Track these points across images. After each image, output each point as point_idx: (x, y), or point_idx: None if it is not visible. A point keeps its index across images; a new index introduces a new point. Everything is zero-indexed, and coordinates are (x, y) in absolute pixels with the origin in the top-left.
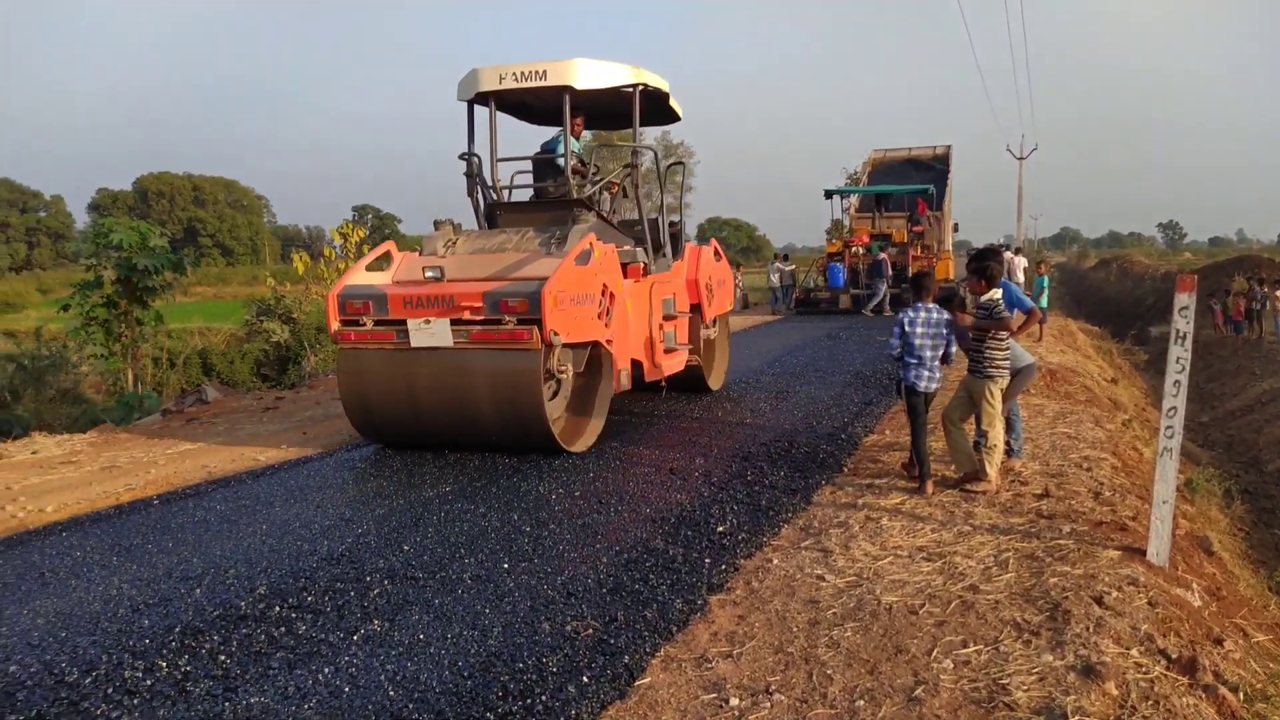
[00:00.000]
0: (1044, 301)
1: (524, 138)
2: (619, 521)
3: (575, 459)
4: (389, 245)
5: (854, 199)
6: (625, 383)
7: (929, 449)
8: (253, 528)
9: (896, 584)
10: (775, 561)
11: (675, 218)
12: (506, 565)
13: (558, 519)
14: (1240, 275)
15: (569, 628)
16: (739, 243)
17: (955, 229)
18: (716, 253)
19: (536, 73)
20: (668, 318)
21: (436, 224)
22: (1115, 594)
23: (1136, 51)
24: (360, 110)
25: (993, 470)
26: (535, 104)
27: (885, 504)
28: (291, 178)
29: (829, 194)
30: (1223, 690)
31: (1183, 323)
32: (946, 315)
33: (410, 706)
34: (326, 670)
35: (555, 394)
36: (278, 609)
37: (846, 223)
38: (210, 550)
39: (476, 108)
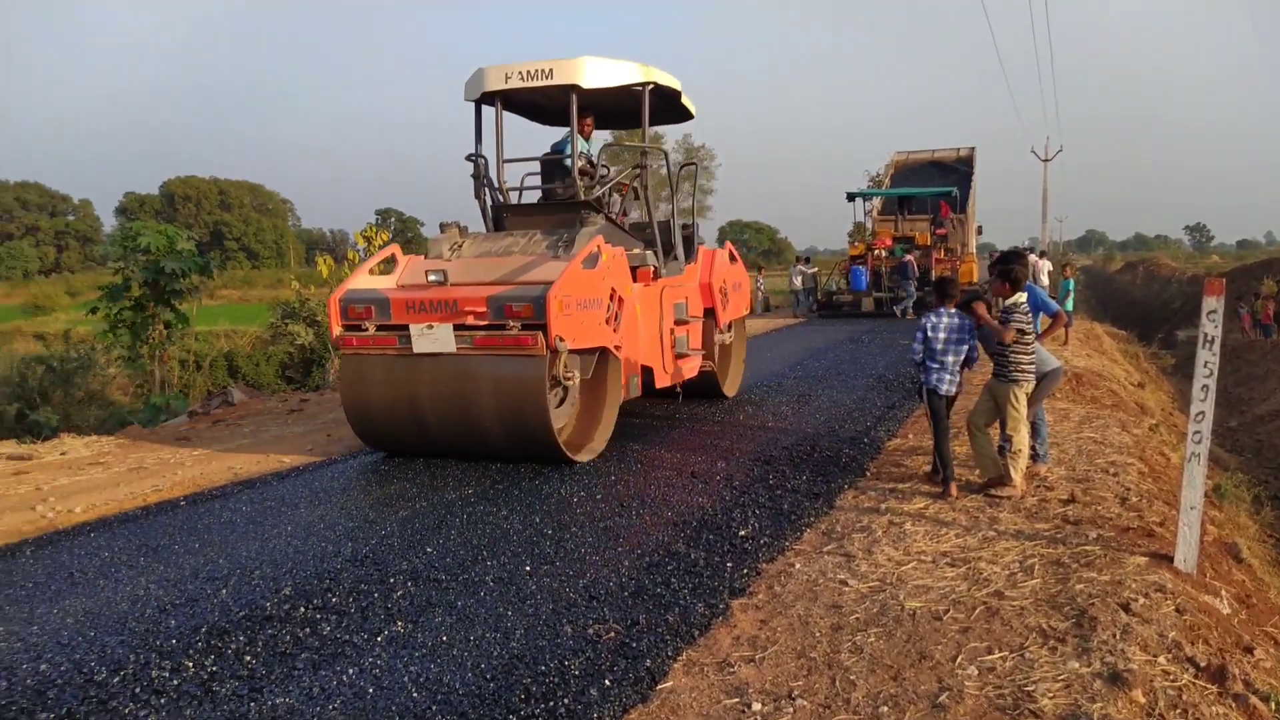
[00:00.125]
0: (1069, 305)
1: (538, 138)
2: (641, 525)
3: (597, 462)
4: (394, 248)
5: (877, 201)
6: (635, 390)
7: (952, 453)
8: (278, 529)
9: (920, 589)
10: (798, 566)
11: (688, 220)
12: (529, 568)
13: (579, 522)
14: (1269, 278)
15: (591, 631)
16: (761, 245)
17: (979, 231)
18: (731, 256)
19: (542, 71)
20: (679, 322)
21: (443, 226)
22: (1142, 601)
23: (1163, 52)
24: (384, 115)
25: (1017, 475)
26: (545, 104)
27: (908, 509)
28: (316, 182)
29: (851, 196)
30: (1254, 700)
31: (1210, 326)
32: (969, 321)
33: (433, 708)
34: (351, 671)
35: (561, 401)
36: (302, 610)
37: (869, 225)
38: (236, 551)
39: (484, 108)
